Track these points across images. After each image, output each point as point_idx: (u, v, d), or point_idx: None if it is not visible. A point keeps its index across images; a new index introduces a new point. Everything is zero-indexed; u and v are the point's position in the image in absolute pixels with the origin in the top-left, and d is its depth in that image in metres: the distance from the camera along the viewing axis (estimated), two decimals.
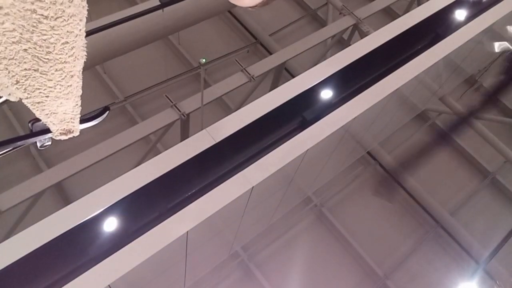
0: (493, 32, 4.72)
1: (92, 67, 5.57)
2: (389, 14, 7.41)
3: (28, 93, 0.59)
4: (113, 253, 2.40)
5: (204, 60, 4.05)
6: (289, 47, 5.09)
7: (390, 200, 5.89)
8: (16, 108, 5.42)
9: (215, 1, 4.51)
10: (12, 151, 0.69)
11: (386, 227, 5.77)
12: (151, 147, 4.85)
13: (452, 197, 6.14)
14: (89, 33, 3.69)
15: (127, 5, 6.04)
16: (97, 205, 2.50)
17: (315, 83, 3.31)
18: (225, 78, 4.65)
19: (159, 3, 3.94)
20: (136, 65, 6.12)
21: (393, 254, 5.58)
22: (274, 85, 5.34)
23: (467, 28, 3.96)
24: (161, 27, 4.20)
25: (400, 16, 4.96)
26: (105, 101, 5.77)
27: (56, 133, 0.66)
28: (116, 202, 2.54)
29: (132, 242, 2.45)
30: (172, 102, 4.22)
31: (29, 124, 0.67)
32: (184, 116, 4.19)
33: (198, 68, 5.97)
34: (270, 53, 6.28)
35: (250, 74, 4.59)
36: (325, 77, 3.36)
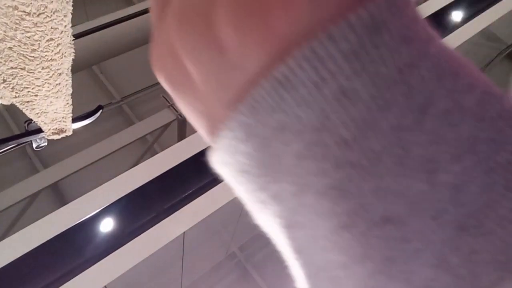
0: (490, 34, 4.74)
1: (89, 67, 5.55)
2: None
3: (16, 92, 0.58)
4: (109, 254, 2.39)
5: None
6: None
7: None
8: (13, 109, 5.41)
9: None
10: (6, 152, 0.69)
11: None
12: (148, 147, 4.84)
13: None
14: (86, 33, 3.69)
15: (124, 5, 6.03)
16: (93, 206, 2.49)
17: None
18: None
19: None
20: (133, 65, 6.11)
21: None
22: None
23: (462, 29, 3.97)
24: None
25: None
26: (102, 101, 5.75)
27: (48, 132, 0.66)
28: (112, 203, 2.53)
29: (129, 243, 2.44)
30: (169, 103, 4.21)
31: (25, 125, 0.66)
32: (181, 117, 4.19)
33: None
34: None
35: None
36: None
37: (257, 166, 0.19)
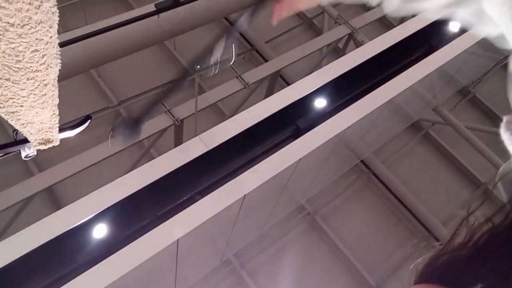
0: (487, 44, 4.76)
1: (87, 71, 5.54)
2: (384, 24, 7.47)
3: (1, 103, 0.58)
4: (102, 260, 2.37)
5: (199, 66, 4.04)
6: (285, 55, 5.10)
7: None
8: None
9: (211, 8, 4.52)
10: None
11: (378, 236, 5.77)
12: (144, 152, 4.82)
13: (444, 207, 6.16)
14: (84, 37, 3.68)
15: (123, 10, 6.04)
16: (88, 211, 2.47)
17: (309, 92, 3.32)
18: (220, 85, 4.65)
19: (154, 8, 3.94)
20: (131, 69, 6.11)
21: (385, 263, 5.57)
22: (269, 93, 5.34)
23: (461, 39, 3.99)
24: (157, 32, 4.20)
25: (395, 26, 4.99)
26: (99, 105, 5.74)
27: (35, 143, 0.65)
28: (107, 208, 2.52)
29: (123, 249, 2.42)
30: (166, 108, 4.21)
31: (13, 133, 0.65)
32: (178, 122, 4.18)
33: (193, 74, 5.96)
34: (266, 60, 6.29)
35: (245, 81, 4.59)
36: (319, 86, 3.36)
37: None
